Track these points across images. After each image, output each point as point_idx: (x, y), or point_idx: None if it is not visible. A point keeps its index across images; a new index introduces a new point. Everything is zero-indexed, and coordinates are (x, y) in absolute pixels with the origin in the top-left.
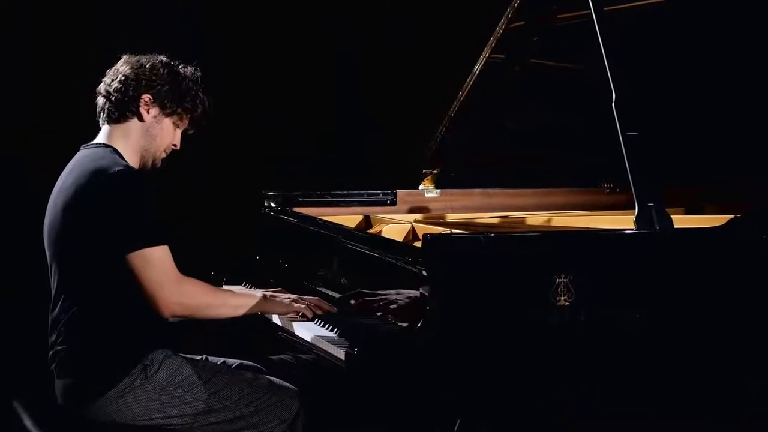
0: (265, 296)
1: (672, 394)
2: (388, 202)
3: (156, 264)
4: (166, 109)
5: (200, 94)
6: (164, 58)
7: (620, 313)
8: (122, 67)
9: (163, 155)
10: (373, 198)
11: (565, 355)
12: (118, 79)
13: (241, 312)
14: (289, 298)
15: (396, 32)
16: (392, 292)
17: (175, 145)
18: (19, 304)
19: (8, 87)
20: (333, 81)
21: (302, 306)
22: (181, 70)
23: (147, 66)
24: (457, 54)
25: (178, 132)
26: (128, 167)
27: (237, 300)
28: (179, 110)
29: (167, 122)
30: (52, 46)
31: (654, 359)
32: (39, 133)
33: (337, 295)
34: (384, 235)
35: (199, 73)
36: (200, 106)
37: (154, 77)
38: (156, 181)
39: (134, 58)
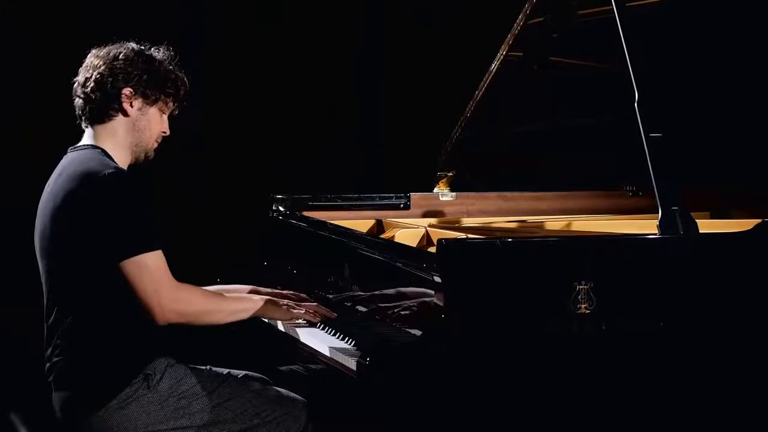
0: (263, 300)
1: (701, 410)
2: (402, 205)
3: (150, 270)
4: (149, 99)
5: (179, 74)
6: (134, 45)
7: (643, 322)
8: (94, 62)
9: (155, 145)
10: (386, 201)
11: (585, 366)
12: (93, 78)
13: (238, 317)
14: (287, 303)
15: (410, 30)
16: (405, 299)
17: (164, 132)
18: (17, 307)
19: (8, 87)
20: (344, 80)
21: (301, 312)
22: (155, 54)
23: (120, 57)
24: (474, 52)
25: (165, 117)
26: (118, 169)
27: (234, 305)
28: (162, 97)
29: (153, 111)
30: (52, 46)
31: (679, 371)
32: (39, 132)
33: (348, 304)
34: (397, 240)
35: (172, 52)
36: (182, 87)
37: (129, 68)
38: (159, 184)
39: (104, 51)
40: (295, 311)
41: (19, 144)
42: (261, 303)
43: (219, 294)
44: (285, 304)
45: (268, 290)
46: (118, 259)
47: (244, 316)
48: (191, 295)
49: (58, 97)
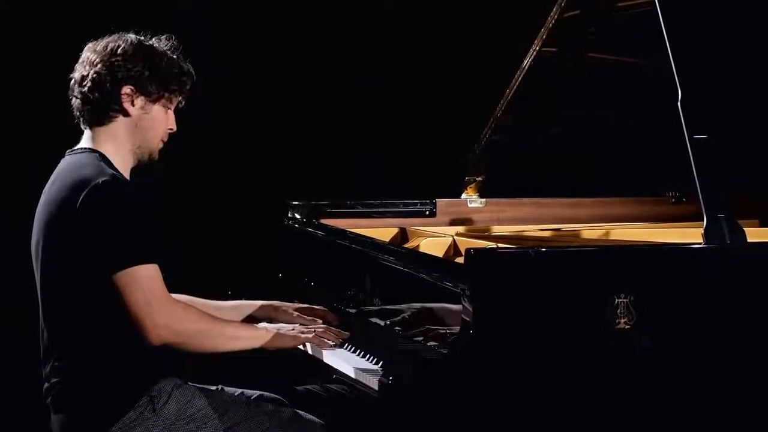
0: (267, 329)
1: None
2: (427, 213)
3: (143, 284)
4: (152, 96)
5: (183, 66)
6: (133, 37)
7: (687, 338)
8: (90, 58)
9: (161, 145)
10: (410, 208)
11: (625, 386)
12: (90, 76)
13: (240, 345)
14: (293, 329)
15: (436, 22)
16: (430, 313)
17: (171, 129)
18: (17, 307)
19: (8, 87)
20: (363, 77)
21: (309, 336)
22: (156, 45)
23: (118, 52)
24: (505, 47)
25: (170, 113)
26: (114, 177)
27: (235, 331)
28: (167, 94)
29: (156, 109)
30: (52, 45)
31: (726, 391)
32: (39, 132)
33: (369, 318)
34: (422, 250)
35: (174, 42)
36: (188, 80)
37: (129, 65)
38: (167, 189)
39: (101, 45)
40: (303, 336)
41: (19, 144)
42: (264, 332)
43: (219, 318)
44: (291, 330)
45: (284, 303)
46: (109, 272)
47: (246, 345)
48: (187, 313)
49: (58, 95)
